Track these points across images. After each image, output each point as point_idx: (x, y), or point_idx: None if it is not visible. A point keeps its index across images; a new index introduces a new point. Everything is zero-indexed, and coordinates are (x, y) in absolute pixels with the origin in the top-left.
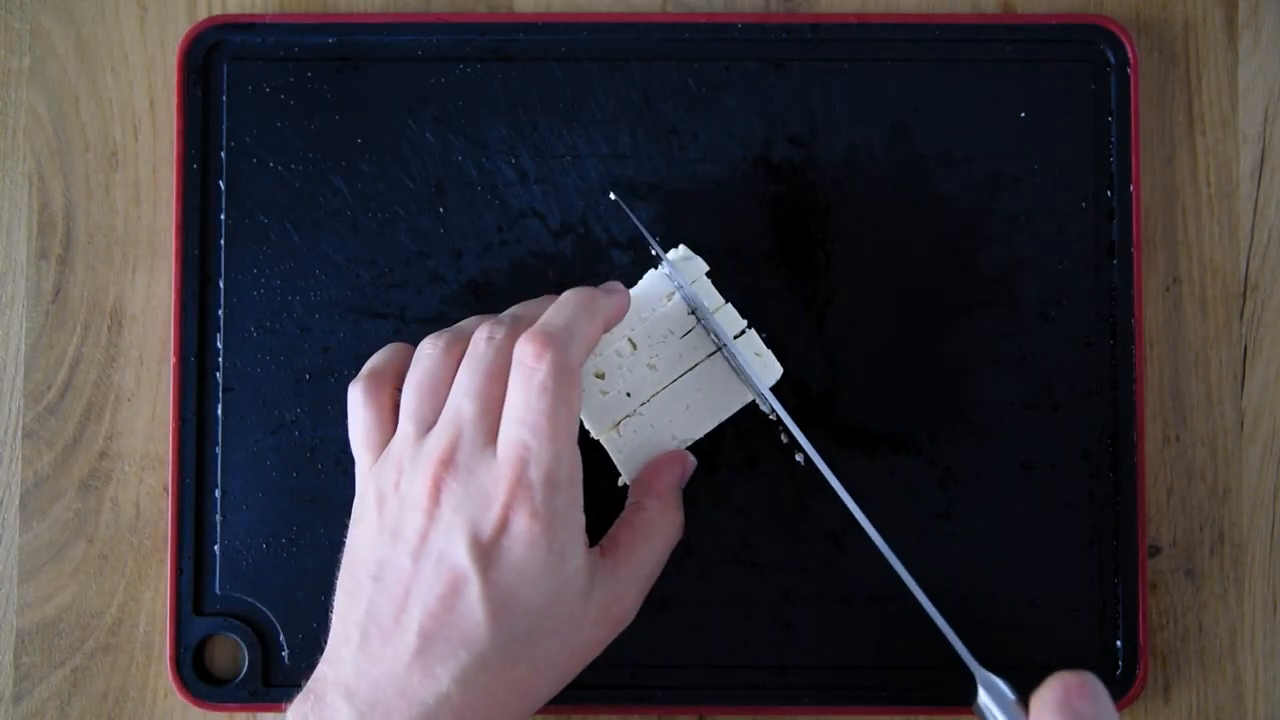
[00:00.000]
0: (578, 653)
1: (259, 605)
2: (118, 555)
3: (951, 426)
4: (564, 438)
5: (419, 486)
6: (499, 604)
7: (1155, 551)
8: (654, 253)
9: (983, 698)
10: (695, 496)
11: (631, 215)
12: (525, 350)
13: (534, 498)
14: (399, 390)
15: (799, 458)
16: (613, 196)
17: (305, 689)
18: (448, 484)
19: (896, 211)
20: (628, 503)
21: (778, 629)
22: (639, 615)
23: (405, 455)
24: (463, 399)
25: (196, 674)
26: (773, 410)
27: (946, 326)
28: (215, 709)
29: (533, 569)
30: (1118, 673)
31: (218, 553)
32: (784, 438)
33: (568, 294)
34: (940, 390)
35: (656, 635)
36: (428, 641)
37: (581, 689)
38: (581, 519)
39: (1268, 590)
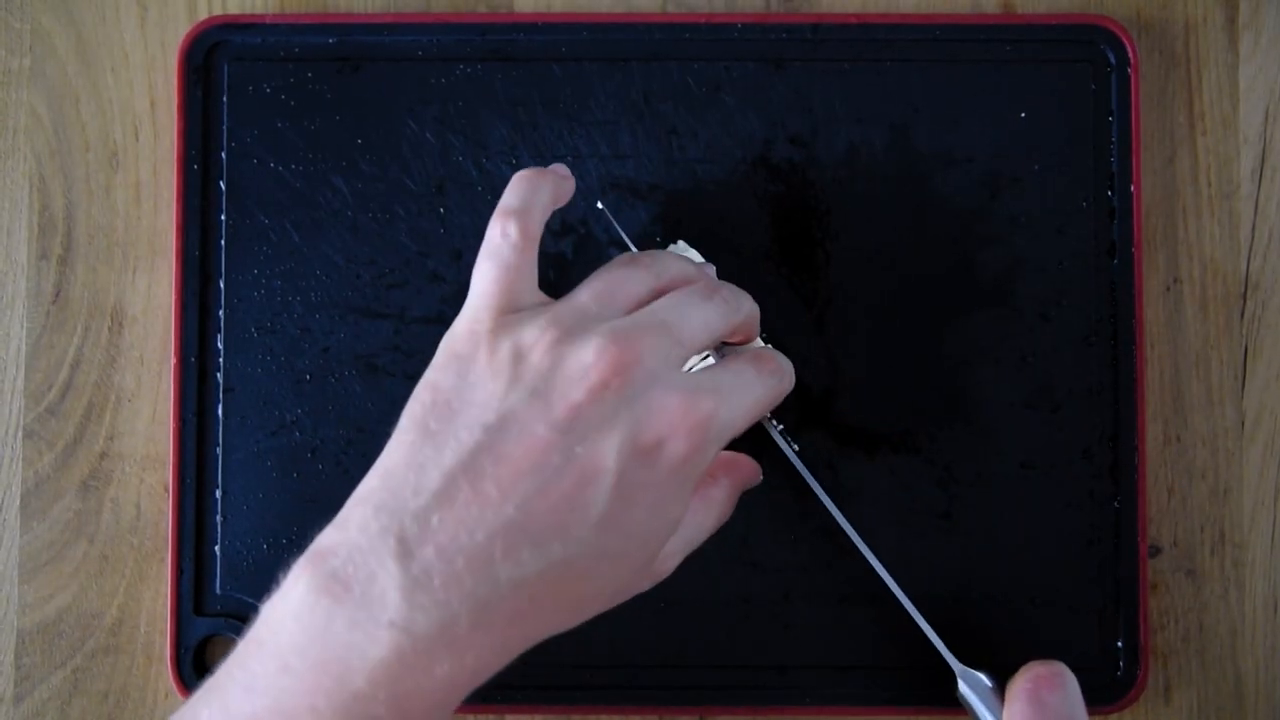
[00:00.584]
0: (619, 593)
1: (259, 606)
2: (118, 556)
3: (951, 426)
4: (746, 422)
5: (590, 358)
6: (616, 515)
7: (1156, 551)
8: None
9: (962, 688)
10: None
11: (617, 226)
12: (769, 356)
13: (702, 438)
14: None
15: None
16: (600, 206)
17: (324, 542)
18: (629, 373)
19: (896, 211)
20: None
21: (778, 629)
22: (639, 615)
23: (576, 319)
24: (678, 315)
25: (197, 674)
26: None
27: (946, 326)
28: None
29: (659, 496)
30: (1118, 673)
31: (218, 553)
32: (779, 437)
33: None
34: (940, 390)
35: (656, 635)
36: (528, 520)
37: (582, 689)
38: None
39: (1268, 590)
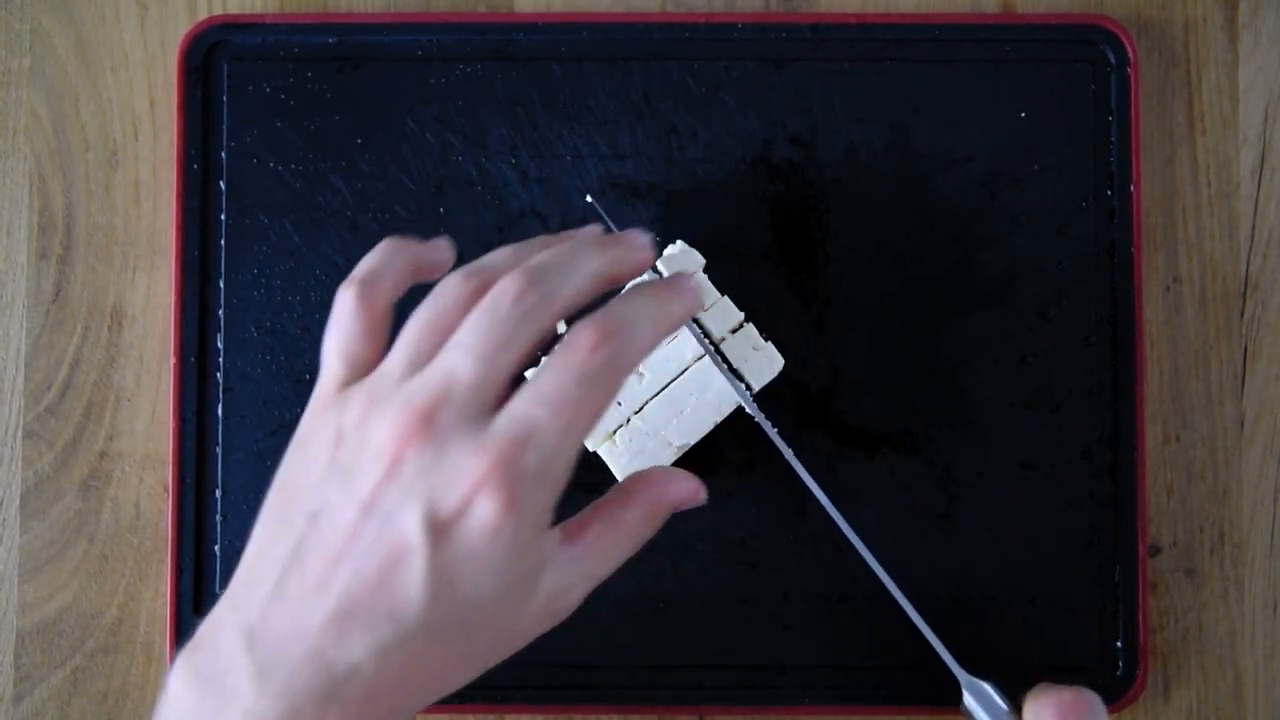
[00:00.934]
0: (506, 645)
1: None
2: (118, 555)
3: (951, 426)
4: (576, 436)
5: (385, 435)
6: (439, 587)
7: (1155, 551)
8: None
9: (967, 700)
10: None
11: (609, 221)
12: (584, 336)
13: (516, 486)
14: (393, 306)
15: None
16: (589, 199)
17: (197, 635)
18: (417, 442)
19: (896, 211)
20: (614, 490)
21: (777, 629)
22: (639, 615)
23: (382, 392)
24: (462, 355)
25: None
26: (759, 410)
27: (946, 326)
28: None
29: (486, 561)
30: (1118, 673)
31: (218, 553)
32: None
33: (639, 289)
34: (940, 390)
35: (656, 635)
36: (352, 605)
37: (582, 689)
38: (550, 520)
39: (1268, 590)
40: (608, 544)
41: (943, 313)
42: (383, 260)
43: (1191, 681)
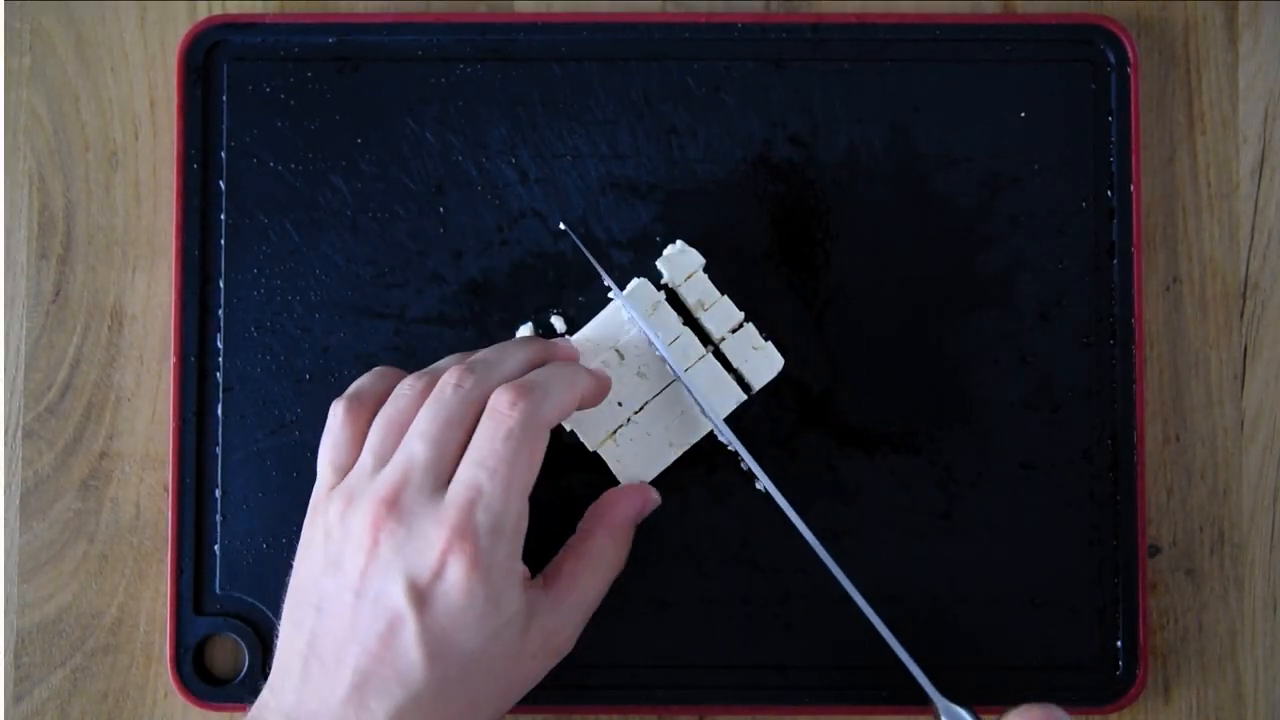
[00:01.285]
0: (516, 685)
1: (259, 605)
2: (118, 555)
3: (951, 426)
4: (518, 489)
5: (361, 523)
6: (434, 647)
7: (1155, 551)
8: (606, 285)
9: None
10: (696, 496)
11: (583, 248)
12: (501, 399)
13: (475, 544)
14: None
15: (759, 486)
16: (562, 227)
17: (250, 715)
18: (388, 525)
19: (896, 211)
20: (579, 528)
21: (778, 629)
22: (639, 615)
23: (357, 488)
24: (416, 441)
25: (197, 674)
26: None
27: (946, 326)
28: (215, 709)
29: (468, 615)
30: (1118, 673)
31: (218, 552)
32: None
33: (553, 367)
34: (940, 390)
35: (656, 635)
36: (364, 678)
37: (582, 689)
38: (520, 566)
39: (1268, 590)
40: (584, 578)
41: (943, 313)
42: (370, 381)
43: (1191, 681)
